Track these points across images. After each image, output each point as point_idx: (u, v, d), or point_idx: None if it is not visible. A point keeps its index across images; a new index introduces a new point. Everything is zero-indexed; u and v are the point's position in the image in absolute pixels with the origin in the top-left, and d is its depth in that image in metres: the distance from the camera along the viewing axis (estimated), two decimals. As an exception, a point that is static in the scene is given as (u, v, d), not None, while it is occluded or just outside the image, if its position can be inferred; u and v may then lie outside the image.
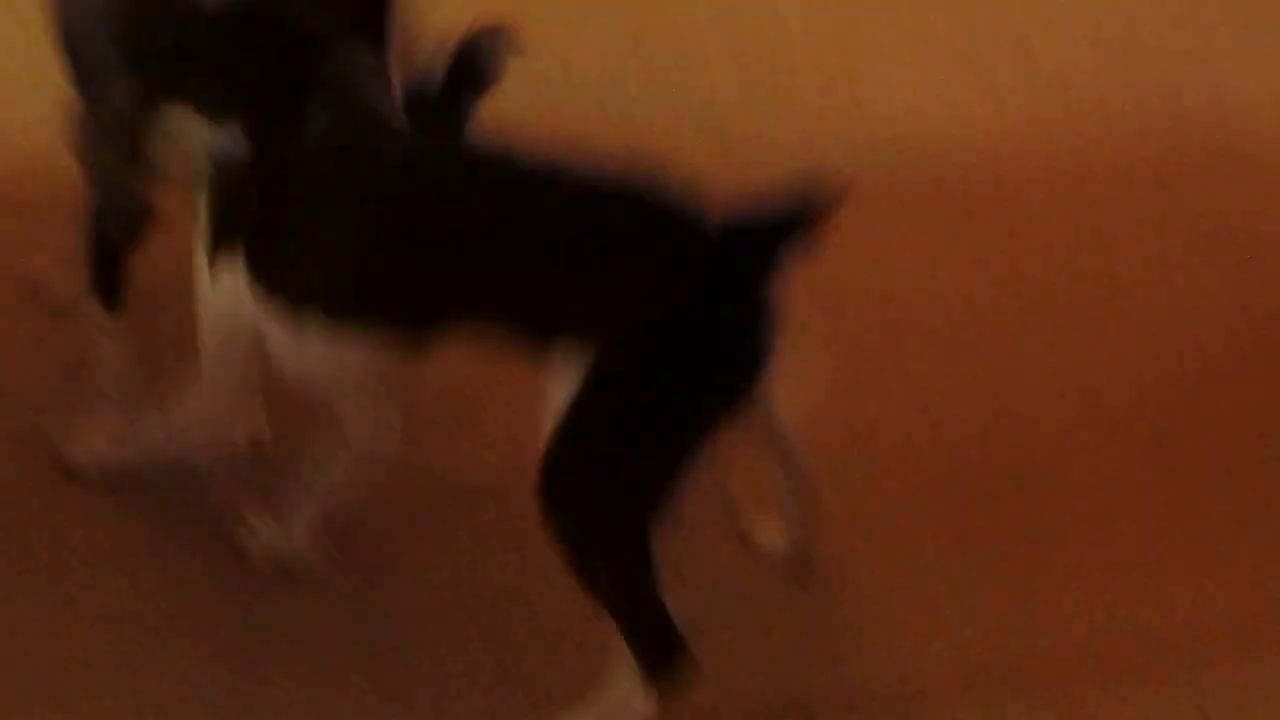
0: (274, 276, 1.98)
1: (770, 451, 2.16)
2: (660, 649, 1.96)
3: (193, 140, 2.03)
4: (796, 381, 2.05)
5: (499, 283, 1.92)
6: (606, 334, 1.88)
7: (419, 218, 1.96)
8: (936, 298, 2.79)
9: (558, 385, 1.87)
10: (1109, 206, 3.00)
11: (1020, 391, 2.65)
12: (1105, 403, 2.63)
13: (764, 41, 3.30)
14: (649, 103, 3.12)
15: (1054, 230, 2.97)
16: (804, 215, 1.85)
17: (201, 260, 2.04)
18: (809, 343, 2.04)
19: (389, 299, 1.97)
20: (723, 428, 1.90)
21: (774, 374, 1.95)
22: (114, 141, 2.12)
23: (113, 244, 2.40)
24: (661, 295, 1.88)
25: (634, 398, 1.90)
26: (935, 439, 2.56)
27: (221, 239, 2.01)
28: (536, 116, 2.67)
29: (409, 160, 2.01)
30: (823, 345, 2.31)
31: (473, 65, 2.14)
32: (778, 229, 1.86)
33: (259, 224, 1.99)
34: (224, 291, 2.02)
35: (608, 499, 1.93)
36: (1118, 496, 2.50)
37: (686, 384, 1.89)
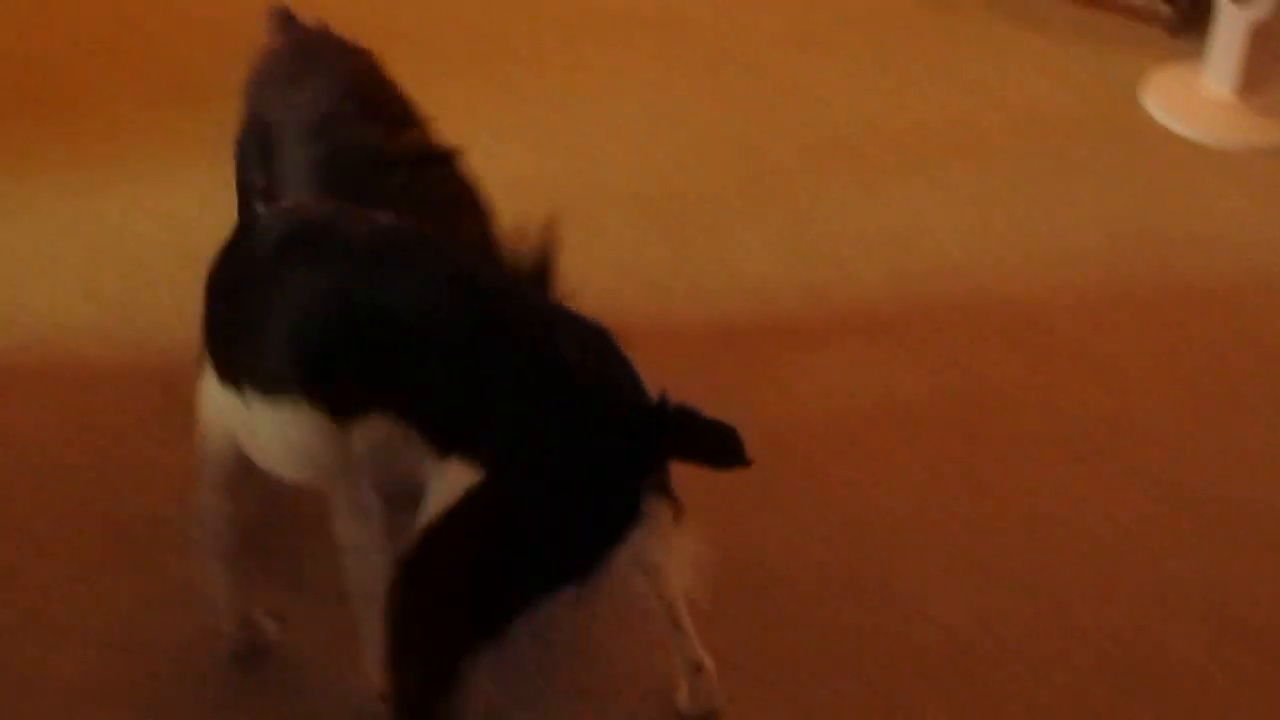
0: (223, 366, 2.10)
1: (665, 621, 2.21)
2: None
3: None
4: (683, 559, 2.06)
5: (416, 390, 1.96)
6: (493, 469, 1.88)
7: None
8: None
9: (440, 488, 1.91)
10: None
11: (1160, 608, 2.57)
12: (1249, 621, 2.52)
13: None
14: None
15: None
16: (728, 448, 1.89)
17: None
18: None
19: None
20: (574, 585, 1.92)
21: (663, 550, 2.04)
22: None
23: None
24: (557, 450, 1.89)
25: (497, 530, 1.91)
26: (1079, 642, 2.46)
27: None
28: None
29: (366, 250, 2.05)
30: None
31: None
32: (698, 438, 1.90)
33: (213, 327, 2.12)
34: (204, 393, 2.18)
35: (444, 612, 1.97)
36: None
37: (545, 538, 1.91)
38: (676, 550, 2.06)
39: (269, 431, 2.05)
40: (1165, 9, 4.14)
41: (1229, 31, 3.73)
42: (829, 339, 3.08)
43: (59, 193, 3.40)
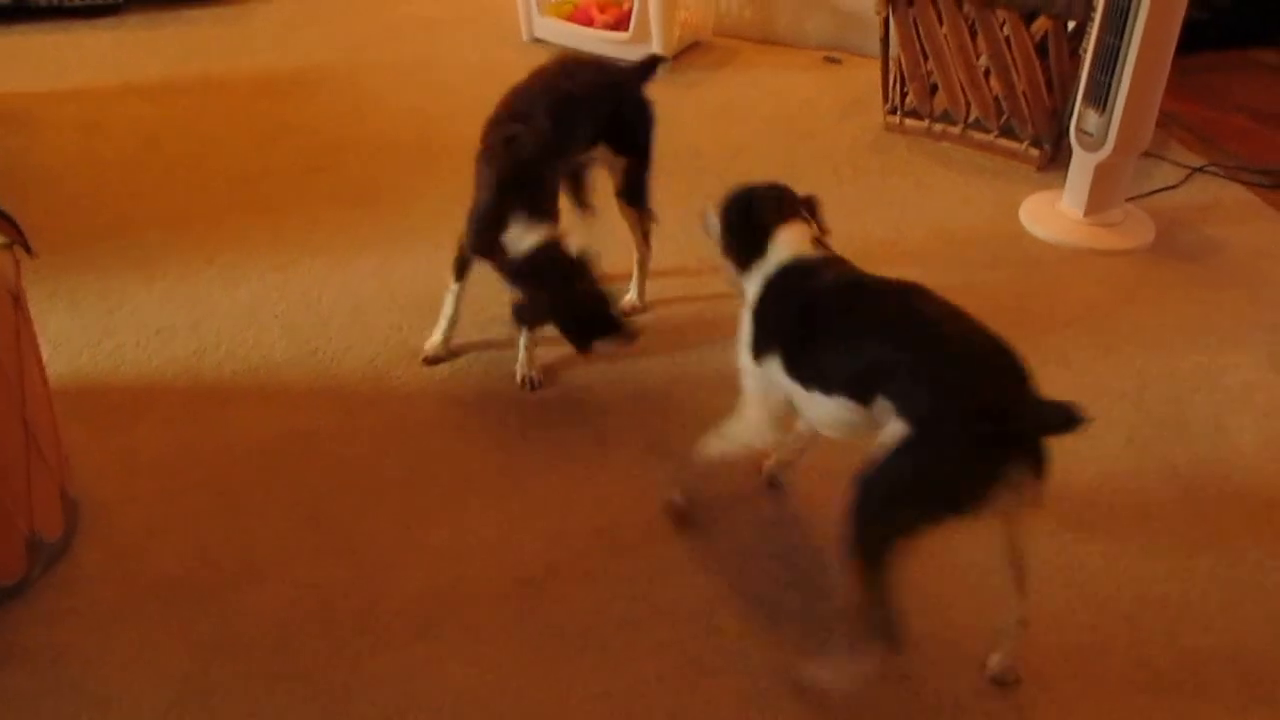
0: (800, 368, 2.20)
1: (1008, 565, 2.16)
2: (882, 628, 2.05)
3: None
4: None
5: (900, 374, 2.01)
6: (916, 424, 1.95)
7: (870, 334, 2.11)
8: None
9: (888, 434, 1.99)
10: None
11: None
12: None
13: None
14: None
15: None
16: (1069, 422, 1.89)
17: (745, 350, 2.32)
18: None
19: (854, 383, 2.10)
20: (964, 512, 1.94)
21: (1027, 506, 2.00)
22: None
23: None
24: (955, 420, 1.94)
25: (905, 469, 1.97)
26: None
27: (764, 343, 2.27)
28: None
29: (873, 301, 2.16)
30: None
31: None
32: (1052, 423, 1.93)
33: (793, 338, 2.21)
34: (767, 370, 2.27)
35: (879, 518, 2.01)
36: None
37: (935, 480, 1.96)
38: (1032, 509, 2.03)
39: (823, 410, 2.17)
40: (1036, 153, 4.15)
41: (1080, 170, 3.73)
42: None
43: (268, 267, 3.43)
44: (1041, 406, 1.94)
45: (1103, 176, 3.70)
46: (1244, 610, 2.44)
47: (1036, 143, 4.15)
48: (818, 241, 2.32)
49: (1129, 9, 3.41)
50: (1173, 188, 4.05)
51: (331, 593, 2.40)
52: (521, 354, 2.98)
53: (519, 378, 2.99)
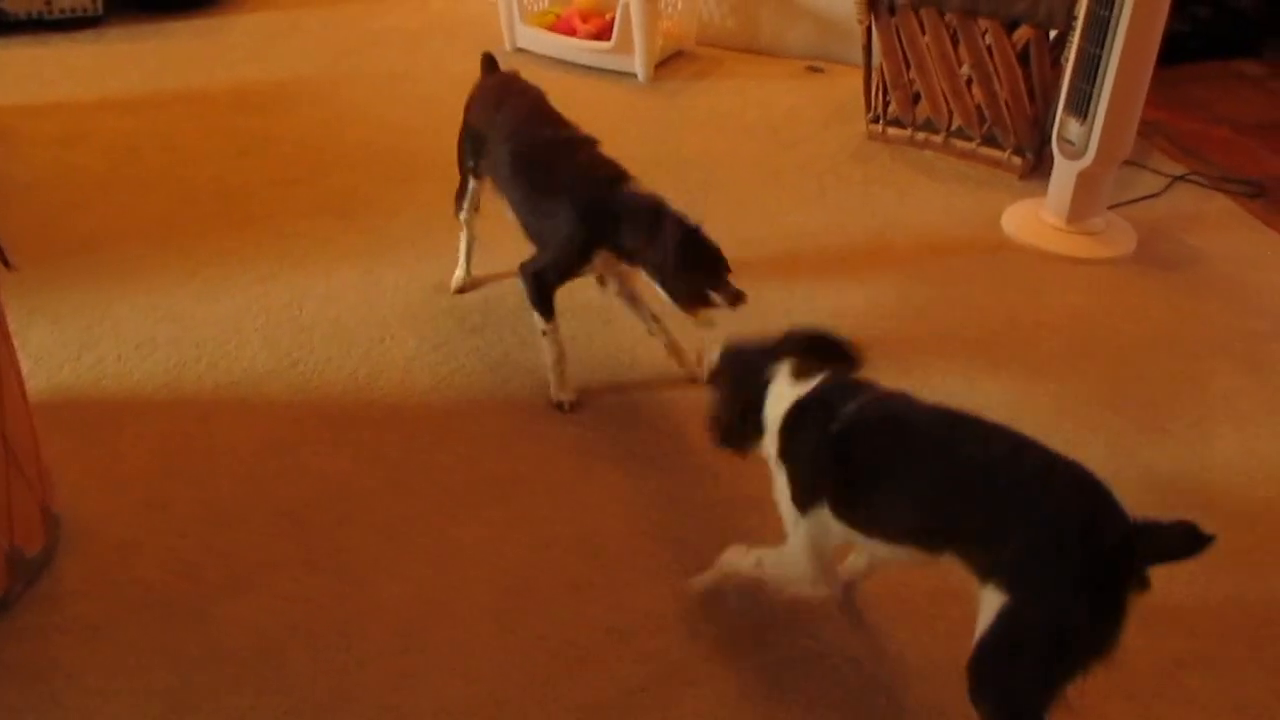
0: (853, 515, 2.05)
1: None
2: None
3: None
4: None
5: (973, 528, 1.91)
6: (1022, 588, 1.84)
7: (933, 478, 1.97)
8: None
9: (986, 605, 1.87)
10: None
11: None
12: None
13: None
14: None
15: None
16: (1193, 545, 1.83)
17: (788, 505, 2.14)
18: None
19: (917, 532, 2.00)
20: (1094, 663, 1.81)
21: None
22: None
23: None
24: (1068, 574, 1.81)
25: (1031, 640, 1.84)
26: None
27: (807, 495, 2.10)
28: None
29: (923, 438, 2.01)
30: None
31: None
32: (1172, 549, 1.86)
33: (837, 484, 2.05)
34: (815, 520, 2.10)
35: (1020, 680, 1.87)
36: None
37: (1067, 640, 1.82)
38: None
39: (887, 553, 2.08)
40: (1018, 162, 4.19)
41: (1062, 178, 3.77)
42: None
43: (249, 280, 3.44)
44: (1160, 532, 1.86)
45: (1084, 185, 3.73)
46: (1226, 618, 2.46)
47: (1019, 151, 4.18)
48: (801, 373, 2.18)
49: (1110, 19, 3.45)
50: (1154, 196, 4.10)
51: (315, 605, 2.40)
52: (551, 375, 2.98)
53: (555, 400, 2.99)
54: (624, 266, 2.90)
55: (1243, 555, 2.61)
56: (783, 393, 2.16)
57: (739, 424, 2.25)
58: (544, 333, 2.96)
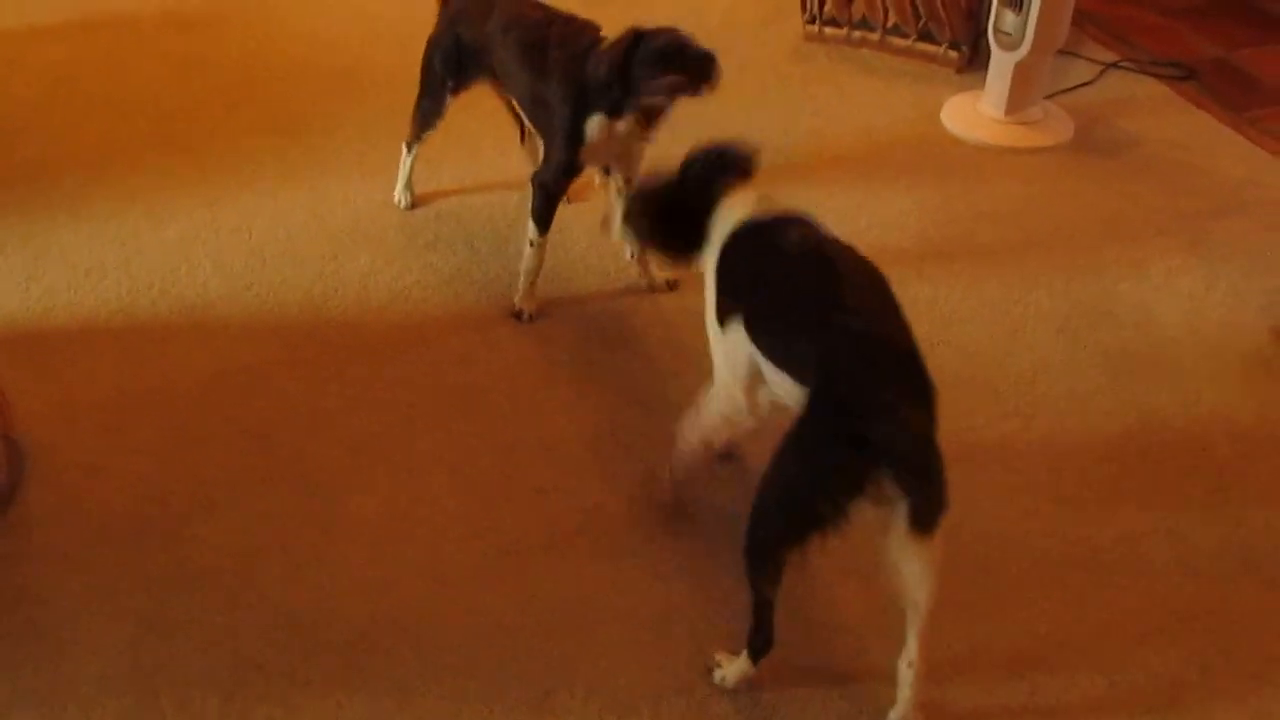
0: (759, 334, 2.04)
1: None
2: (759, 629, 1.97)
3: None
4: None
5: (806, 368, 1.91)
6: (791, 434, 1.85)
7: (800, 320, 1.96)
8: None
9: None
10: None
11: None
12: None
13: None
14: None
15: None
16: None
17: (711, 317, 2.15)
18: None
19: (790, 357, 1.98)
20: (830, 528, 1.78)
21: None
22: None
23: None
24: (821, 433, 1.81)
25: (776, 478, 1.87)
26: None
27: (726, 308, 2.10)
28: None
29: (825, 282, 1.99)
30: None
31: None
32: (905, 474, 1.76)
33: (753, 301, 2.06)
34: (731, 336, 2.09)
35: (762, 518, 1.90)
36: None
37: (800, 491, 1.83)
38: (918, 559, 1.83)
39: (780, 383, 2.03)
40: (954, 56, 4.17)
41: (999, 70, 3.76)
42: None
43: (195, 204, 3.35)
44: (902, 429, 1.77)
45: (1021, 76, 3.72)
46: (1181, 487, 2.52)
47: (955, 45, 4.16)
48: (766, 198, 2.18)
49: (1042, -94, 3.43)
50: (1088, 84, 4.09)
51: (285, 521, 2.39)
52: (523, 282, 2.94)
53: (516, 309, 2.95)
54: (622, 132, 2.77)
55: (1200, 424, 2.67)
56: (739, 207, 2.15)
57: (678, 239, 2.25)
58: (531, 243, 2.91)
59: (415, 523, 2.39)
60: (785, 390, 2.03)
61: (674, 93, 2.65)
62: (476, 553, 2.33)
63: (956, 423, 2.57)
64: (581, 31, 2.81)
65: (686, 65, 2.62)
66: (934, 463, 1.77)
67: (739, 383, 2.14)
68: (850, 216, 3.34)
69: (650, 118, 2.73)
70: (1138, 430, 2.65)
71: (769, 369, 2.05)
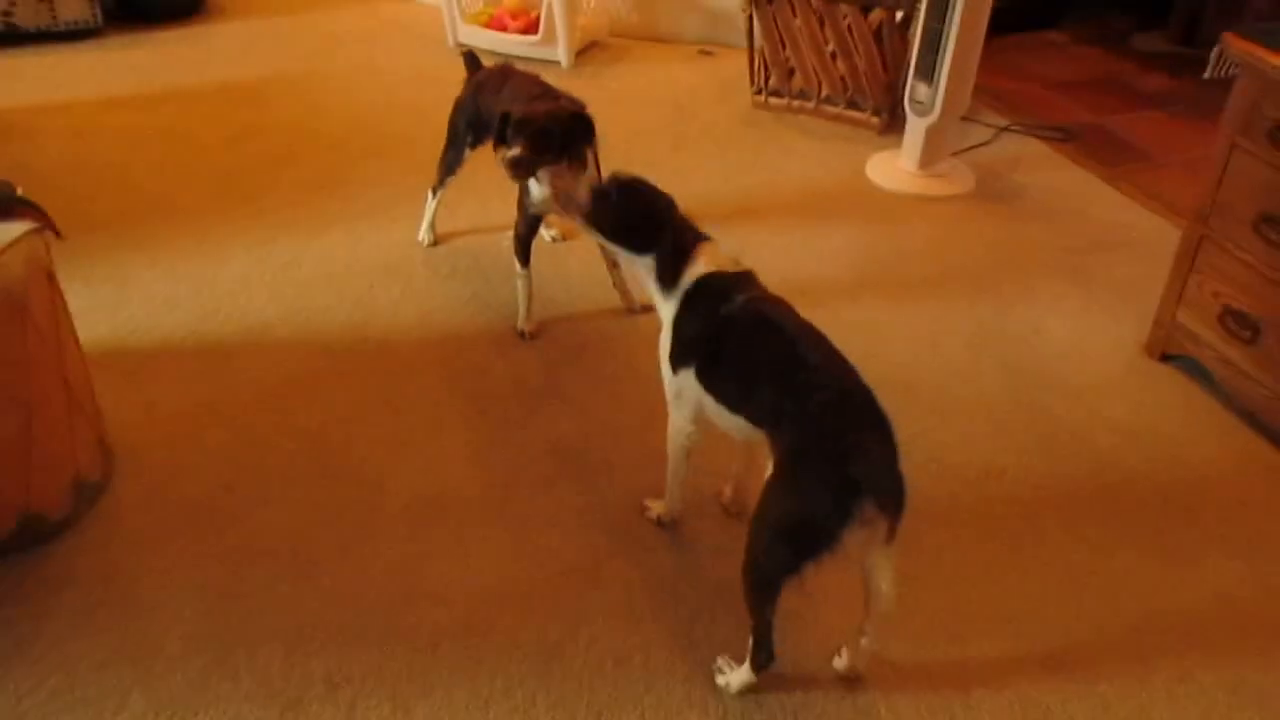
0: (709, 382, 2.03)
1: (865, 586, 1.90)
2: (761, 646, 1.93)
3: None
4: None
5: (778, 419, 1.87)
6: (781, 473, 1.82)
7: (763, 375, 1.92)
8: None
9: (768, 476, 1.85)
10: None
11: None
12: None
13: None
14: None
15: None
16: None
17: (666, 359, 2.11)
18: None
19: (749, 405, 1.96)
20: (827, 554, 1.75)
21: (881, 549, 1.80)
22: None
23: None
24: (813, 472, 1.77)
25: (776, 515, 1.82)
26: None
27: (681, 357, 2.07)
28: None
29: (773, 340, 1.94)
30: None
31: None
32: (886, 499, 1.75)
33: (705, 355, 2.02)
34: (682, 379, 2.08)
35: (763, 552, 1.85)
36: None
37: (800, 525, 1.78)
38: (889, 561, 1.83)
39: (728, 421, 2.03)
40: (877, 121, 4.21)
41: (913, 132, 3.81)
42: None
43: (252, 245, 3.36)
44: (880, 466, 1.77)
45: (932, 137, 3.77)
46: (1066, 468, 2.56)
47: (877, 112, 4.21)
48: (720, 259, 2.10)
49: (949, 1, 3.48)
50: (986, 144, 4.16)
51: (336, 508, 2.39)
52: (520, 307, 2.96)
53: (519, 329, 2.96)
54: (541, 188, 2.69)
55: (1080, 420, 2.71)
56: (703, 265, 2.07)
57: (640, 239, 2.13)
58: (519, 276, 2.95)
59: (442, 508, 2.40)
60: (730, 424, 2.03)
61: (513, 170, 2.57)
62: (496, 532, 2.34)
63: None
64: (541, 99, 2.80)
65: (533, 138, 2.55)
66: (902, 486, 1.78)
67: (684, 415, 2.14)
68: (793, 252, 3.39)
69: (572, 169, 2.62)
70: (1031, 425, 2.69)
71: (716, 410, 2.04)
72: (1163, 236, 3.43)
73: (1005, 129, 4.27)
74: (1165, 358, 2.94)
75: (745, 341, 1.98)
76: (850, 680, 2.02)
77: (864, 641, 1.96)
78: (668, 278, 2.07)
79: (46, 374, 2.21)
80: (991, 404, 2.76)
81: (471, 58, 3.21)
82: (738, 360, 1.98)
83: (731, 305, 1.99)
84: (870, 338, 2.99)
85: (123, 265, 3.24)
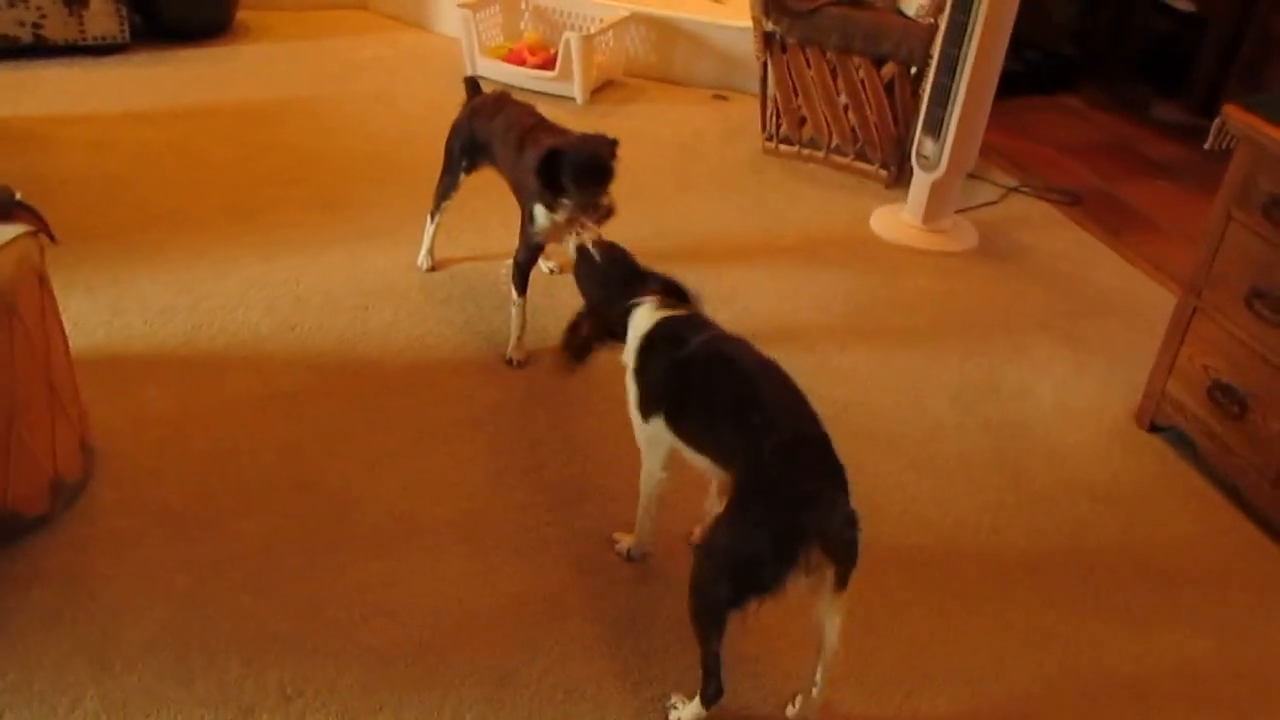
0: (678, 427, 2.07)
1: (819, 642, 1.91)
2: (710, 678, 1.93)
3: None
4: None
5: (727, 455, 1.93)
6: (729, 511, 1.84)
7: (721, 412, 1.96)
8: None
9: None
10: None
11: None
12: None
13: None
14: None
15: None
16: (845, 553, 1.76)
17: (635, 410, 2.17)
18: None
19: (711, 445, 2.01)
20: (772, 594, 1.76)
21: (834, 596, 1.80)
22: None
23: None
24: (756, 513, 1.79)
25: (719, 552, 1.84)
26: None
27: (649, 406, 2.13)
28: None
29: (731, 380, 1.98)
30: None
31: None
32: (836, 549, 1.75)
33: (672, 401, 2.08)
34: (653, 426, 2.13)
35: (706, 584, 1.86)
36: None
37: (744, 564, 1.79)
38: (837, 608, 1.83)
39: (700, 462, 2.07)
40: (884, 173, 4.26)
41: (919, 187, 3.85)
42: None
43: (252, 260, 3.42)
44: (828, 512, 1.76)
45: (937, 192, 3.82)
46: (1041, 533, 2.57)
47: (885, 165, 4.26)
48: (666, 305, 2.17)
49: (959, 56, 3.54)
50: (993, 204, 4.20)
51: (308, 522, 2.43)
52: (512, 335, 3.01)
53: (508, 357, 3.01)
54: (560, 222, 2.80)
55: (1061, 484, 2.73)
56: (648, 315, 2.15)
57: (596, 333, 2.23)
58: (514, 304, 3.01)
59: (415, 527, 2.43)
60: (701, 464, 2.06)
61: (578, 216, 2.67)
62: (464, 555, 2.37)
63: (864, 470, 2.67)
64: (552, 135, 2.88)
65: (598, 178, 2.67)
66: (854, 535, 1.77)
67: (657, 461, 2.19)
68: (789, 297, 3.42)
69: (587, 212, 2.68)
70: (1010, 485, 2.70)
71: (689, 452, 2.08)
72: (1162, 305, 3.42)
73: (1013, 189, 4.31)
74: (1154, 428, 2.95)
75: (705, 382, 2.01)
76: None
77: (814, 692, 1.97)
78: (619, 332, 2.16)
79: (31, 375, 2.26)
80: (971, 461, 2.77)
81: (472, 83, 3.28)
82: (699, 402, 2.02)
83: (689, 348, 2.04)
84: (854, 386, 3.01)
85: (125, 274, 3.31)
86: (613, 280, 2.27)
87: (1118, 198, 4.33)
